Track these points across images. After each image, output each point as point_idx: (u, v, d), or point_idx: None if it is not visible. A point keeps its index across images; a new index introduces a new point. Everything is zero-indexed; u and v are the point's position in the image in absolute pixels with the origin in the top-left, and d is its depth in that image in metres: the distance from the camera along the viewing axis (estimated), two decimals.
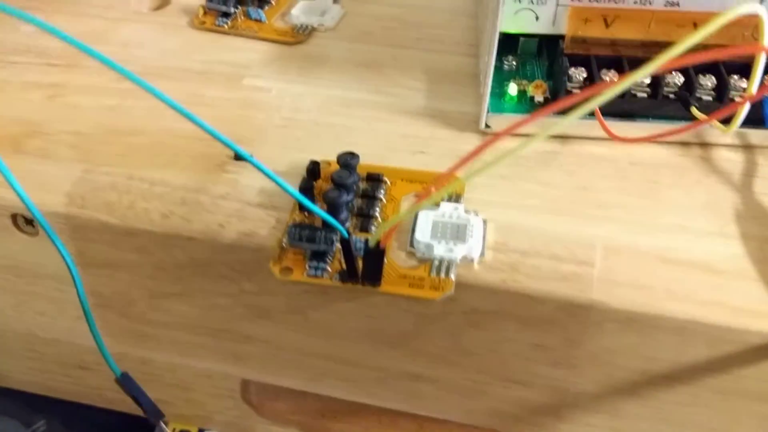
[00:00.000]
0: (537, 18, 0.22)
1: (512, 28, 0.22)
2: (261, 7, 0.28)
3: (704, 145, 0.22)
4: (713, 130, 0.22)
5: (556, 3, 0.21)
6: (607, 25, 0.22)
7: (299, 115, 0.24)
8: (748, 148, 0.22)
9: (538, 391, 0.21)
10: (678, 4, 0.21)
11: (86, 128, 0.23)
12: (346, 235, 0.18)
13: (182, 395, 0.29)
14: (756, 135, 0.22)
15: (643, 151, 0.22)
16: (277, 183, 0.18)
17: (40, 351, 0.28)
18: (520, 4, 0.21)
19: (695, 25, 0.21)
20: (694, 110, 0.21)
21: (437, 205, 0.20)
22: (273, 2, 0.28)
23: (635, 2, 0.21)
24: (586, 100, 0.16)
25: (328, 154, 0.22)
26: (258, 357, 0.24)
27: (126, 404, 0.30)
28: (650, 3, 0.21)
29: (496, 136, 0.16)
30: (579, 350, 0.20)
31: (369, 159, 0.22)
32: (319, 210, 0.18)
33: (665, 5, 0.21)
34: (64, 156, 0.23)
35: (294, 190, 0.18)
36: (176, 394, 0.29)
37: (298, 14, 0.27)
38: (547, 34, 0.22)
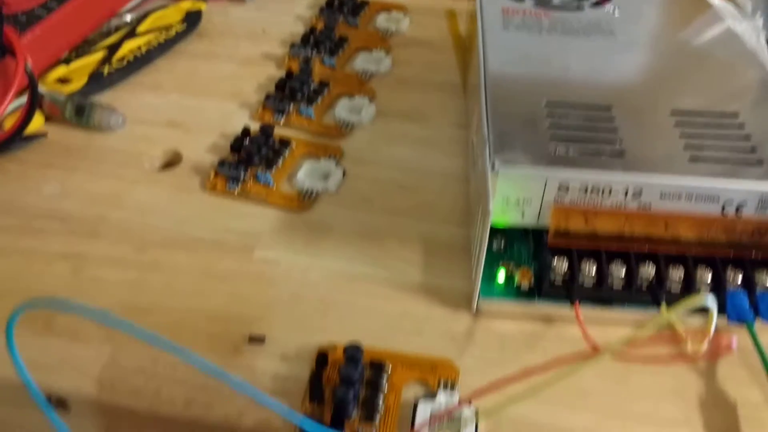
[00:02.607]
0: (523, 215, 0.24)
1: (501, 223, 0.24)
2: (269, 168, 0.30)
3: (673, 330, 0.25)
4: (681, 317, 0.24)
5: (540, 204, 0.24)
6: (586, 222, 0.24)
7: (306, 290, 0.26)
8: (714, 333, 0.24)
9: None
10: (650, 206, 0.24)
11: (110, 305, 0.25)
12: None
13: None
14: (721, 321, 0.24)
15: (617, 335, 0.24)
16: (280, 413, 0.19)
17: None
18: (507, 205, 0.24)
19: (666, 225, 0.24)
20: (663, 311, 0.23)
21: (434, 394, 0.23)
22: (280, 164, 0.30)
23: (611, 205, 0.24)
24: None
25: (334, 334, 0.24)
26: None
27: None
28: (624, 206, 0.24)
29: (494, 385, 0.19)
30: None
31: (370, 340, 0.24)
32: None
33: (638, 208, 0.24)
34: (92, 337, 0.25)
35: (300, 418, 0.20)
36: None
37: (303, 179, 0.29)
38: (532, 228, 0.24)
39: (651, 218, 0.24)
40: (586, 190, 0.23)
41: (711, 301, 0.17)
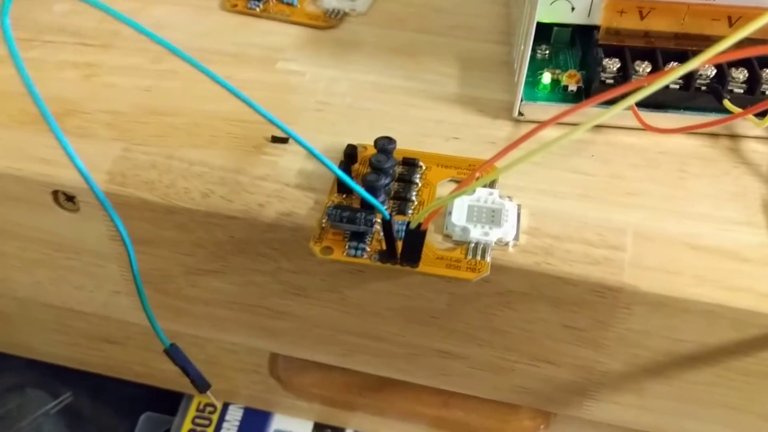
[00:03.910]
0: (573, 9, 0.22)
1: (548, 18, 0.22)
2: None
3: (732, 136, 0.23)
4: (742, 122, 0.22)
5: None
6: (641, 17, 0.22)
7: (333, 99, 0.24)
8: None
9: (566, 370, 0.22)
10: None
11: (123, 108, 0.24)
12: (387, 217, 0.19)
13: (209, 370, 0.29)
14: None
15: (673, 141, 0.23)
16: (323, 162, 0.18)
17: (71, 325, 0.29)
18: None
19: (729, 19, 0.22)
20: (727, 103, 0.21)
21: (473, 190, 0.21)
22: None
23: None
24: (628, 93, 0.16)
25: (363, 139, 0.22)
26: (292, 332, 0.24)
27: (152, 378, 0.31)
28: None
29: (542, 125, 0.17)
30: (608, 331, 0.21)
31: (403, 144, 0.22)
32: (363, 192, 0.19)
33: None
34: (102, 135, 0.23)
35: (338, 169, 0.18)
36: (203, 369, 0.29)
37: None
38: (582, 24, 0.22)
39: (713, 12, 0.22)
40: None
41: None
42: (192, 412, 0.32)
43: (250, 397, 0.31)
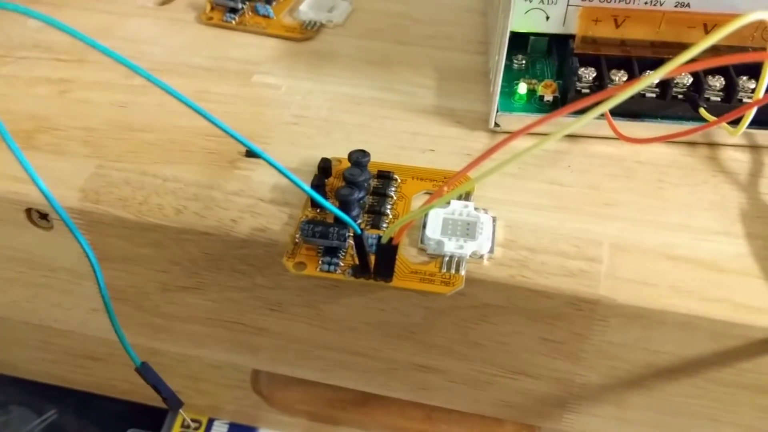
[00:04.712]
0: (547, 18, 0.22)
1: (522, 28, 0.22)
2: (269, 2, 0.28)
3: (711, 144, 0.22)
4: (720, 131, 0.22)
5: (567, 3, 0.22)
6: (617, 26, 0.22)
7: (309, 112, 0.24)
8: (754, 148, 0.22)
9: (545, 383, 0.22)
10: (689, 5, 0.21)
11: (97, 124, 0.24)
12: (359, 231, 0.19)
13: (193, 385, 0.29)
14: (763, 135, 0.22)
15: (650, 151, 0.22)
16: (290, 179, 0.18)
17: (53, 342, 0.29)
18: (531, 3, 0.22)
19: (705, 27, 0.22)
20: (703, 111, 0.21)
21: (447, 202, 0.21)
22: None
23: (646, 3, 0.21)
24: (600, 102, 0.16)
25: (338, 152, 0.22)
26: (270, 349, 0.24)
27: (137, 394, 0.31)
28: (660, 4, 0.21)
29: (513, 135, 0.17)
30: (585, 344, 0.20)
31: (379, 157, 0.22)
32: (332, 207, 0.19)
33: (676, 6, 0.21)
34: (76, 152, 0.23)
35: (307, 186, 0.18)
36: (187, 385, 0.29)
37: (306, 10, 0.27)
38: (557, 33, 0.22)
39: (689, 19, 0.22)
40: None
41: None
42: (177, 428, 0.32)
43: (235, 412, 0.31)
